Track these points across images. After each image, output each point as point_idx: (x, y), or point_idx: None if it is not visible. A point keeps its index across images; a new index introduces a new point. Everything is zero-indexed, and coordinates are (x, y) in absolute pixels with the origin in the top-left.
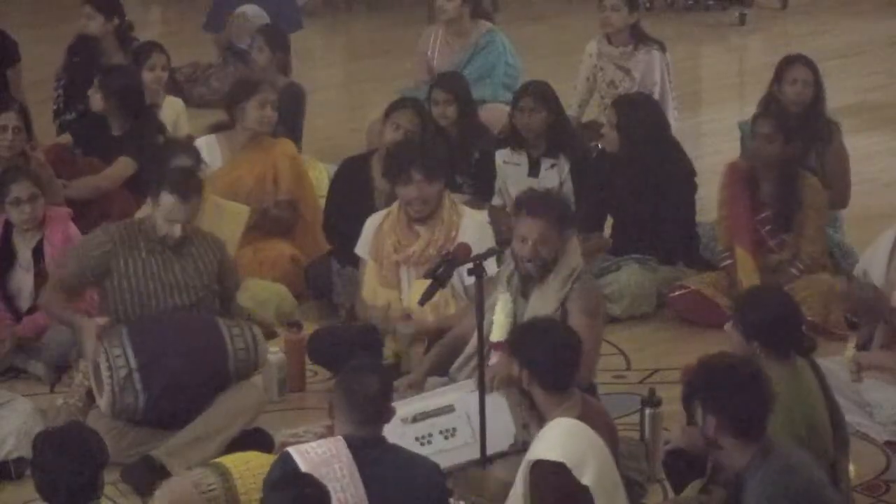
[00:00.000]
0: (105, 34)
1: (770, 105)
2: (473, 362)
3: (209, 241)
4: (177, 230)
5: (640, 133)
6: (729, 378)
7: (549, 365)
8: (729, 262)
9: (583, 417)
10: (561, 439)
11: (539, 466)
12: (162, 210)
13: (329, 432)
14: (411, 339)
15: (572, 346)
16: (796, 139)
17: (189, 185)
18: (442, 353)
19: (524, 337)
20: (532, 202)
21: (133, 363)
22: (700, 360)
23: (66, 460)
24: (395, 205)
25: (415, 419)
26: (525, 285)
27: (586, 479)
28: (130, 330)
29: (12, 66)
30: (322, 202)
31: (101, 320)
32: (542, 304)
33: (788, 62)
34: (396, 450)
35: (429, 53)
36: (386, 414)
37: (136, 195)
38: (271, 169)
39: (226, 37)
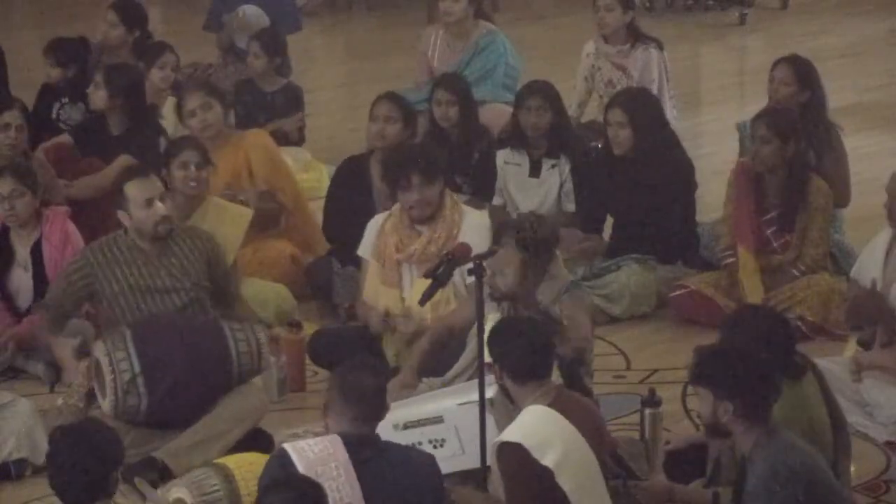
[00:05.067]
0: (123, 44)
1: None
2: (466, 375)
3: (194, 236)
4: (159, 209)
5: (649, 126)
6: (735, 358)
7: (516, 356)
8: (731, 260)
9: (555, 405)
10: (524, 423)
11: (500, 448)
12: (134, 201)
13: (327, 432)
14: (410, 336)
15: (539, 337)
16: (801, 141)
17: (141, 165)
18: (432, 347)
19: (495, 333)
20: (502, 229)
21: (137, 367)
22: (698, 350)
23: (82, 456)
24: (396, 206)
25: (405, 426)
26: (515, 302)
27: (548, 461)
28: (134, 333)
29: None
30: (322, 203)
31: (74, 342)
32: None
33: (775, 63)
34: (392, 447)
35: (429, 54)
36: (381, 412)
37: None
38: (244, 162)
39: (226, 37)
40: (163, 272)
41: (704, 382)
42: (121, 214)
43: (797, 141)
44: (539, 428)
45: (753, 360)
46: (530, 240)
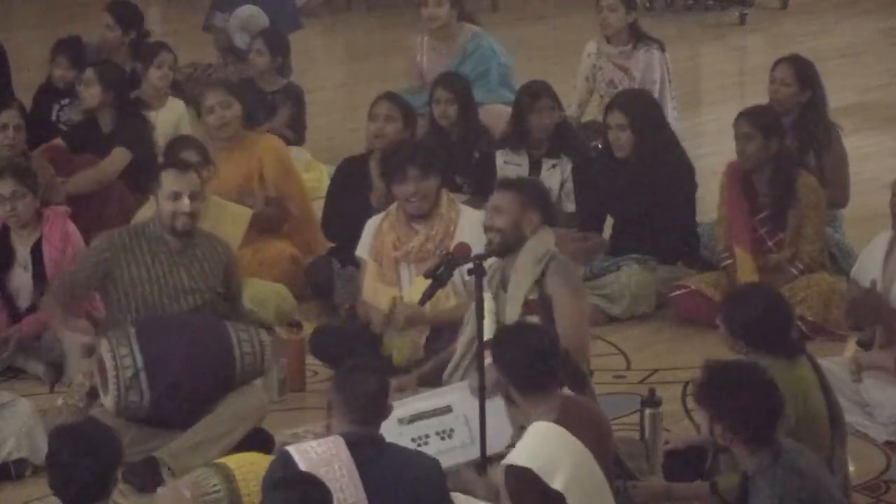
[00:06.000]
0: (120, 46)
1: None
2: (465, 364)
3: (214, 242)
4: (184, 204)
5: (649, 128)
6: (737, 386)
7: (523, 368)
8: (729, 262)
9: (562, 419)
10: (531, 445)
11: (509, 472)
12: (163, 190)
13: (328, 432)
14: (408, 320)
15: (545, 349)
16: (785, 137)
17: (182, 157)
18: (437, 365)
19: (500, 342)
20: (504, 180)
21: (140, 363)
22: (707, 366)
23: (81, 456)
24: (393, 206)
25: (412, 420)
26: (504, 279)
27: (557, 484)
28: (138, 330)
29: None
30: (322, 202)
31: (86, 339)
32: (517, 286)
33: (775, 63)
34: (394, 448)
35: (418, 58)
36: (384, 413)
37: (132, 189)
38: (256, 166)
39: (224, 37)
40: (182, 271)
41: (703, 403)
42: (152, 198)
43: (781, 137)
44: (546, 449)
45: (758, 385)
46: (529, 184)
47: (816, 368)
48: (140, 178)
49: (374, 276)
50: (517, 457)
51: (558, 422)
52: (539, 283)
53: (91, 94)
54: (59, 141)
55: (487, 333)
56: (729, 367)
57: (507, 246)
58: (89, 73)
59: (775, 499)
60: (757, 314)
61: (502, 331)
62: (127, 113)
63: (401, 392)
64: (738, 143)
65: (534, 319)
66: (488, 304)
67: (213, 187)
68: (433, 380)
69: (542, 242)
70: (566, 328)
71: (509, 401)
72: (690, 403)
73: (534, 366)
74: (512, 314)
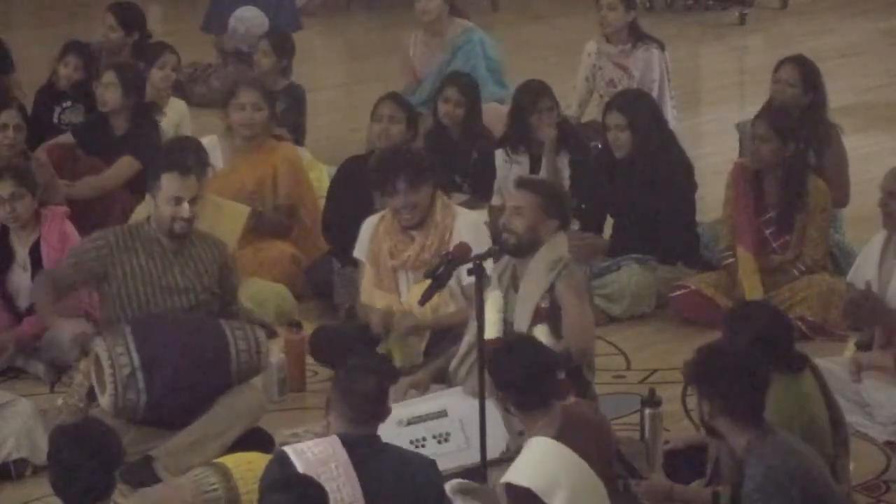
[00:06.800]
0: (122, 47)
1: (770, 106)
2: (471, 359)
3: (210, 242)
4: (184, 210)
5: (648, 128)
6: (722, 362)
7: (520, 385)
8: (731, 260)
9: (562, 433)
10: (531, 463)
11: (509, 491)
12: (164, 193)
13: (328, 432)
14: (410, 331)
15: (542, 364)
16: (795, 140)
17: (185, 159)
18: (446, 363)
19: (497, 358)
20: (525, 179)
21: (136, 362)
22: (700, 348)
23: (83, 457)
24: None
25: (409, 422)
26: (515, 279)
27: (558, 502)
28: (134, 329)
29: (6, 75)
30: (323, 203)
31: (79, 327)
32: (529, 290)
33: (779, 63)
34: (391, 448)
35: (411, 54)
36: (382, 414)
37: (137, 195)
38: (271, 172)
39: (225, 40)
40: (177, 270)
41: (693, 381)
42: (147, 197)
43: (796, 141)
44: (546, 467)
45: (741, 362)
46: (552, 188)
47: (818, 377)
48: (145, 184)
49: (371, 280)
50: (517, 475)
51: (560, 434)
52: (550, 291)
53: (112, 96)
54: (65, 137)
55: (496, 331)
56: (720, 348)
57: (520, 248)
58: (110, 75)
59: (764, 473)
60: (758, 332)
61: (499, 349)
62: (141, 117)
63: (415, 388)
64: (754, 143)
65: (543, 328)
66: (498, 301)
67: (225, 186)
68: (444, 376)
69: (555, 249)
70: (570, 331)
71: (508, 413)
72: (690, 403)
73: (532, 385)
74: (521, 318)
